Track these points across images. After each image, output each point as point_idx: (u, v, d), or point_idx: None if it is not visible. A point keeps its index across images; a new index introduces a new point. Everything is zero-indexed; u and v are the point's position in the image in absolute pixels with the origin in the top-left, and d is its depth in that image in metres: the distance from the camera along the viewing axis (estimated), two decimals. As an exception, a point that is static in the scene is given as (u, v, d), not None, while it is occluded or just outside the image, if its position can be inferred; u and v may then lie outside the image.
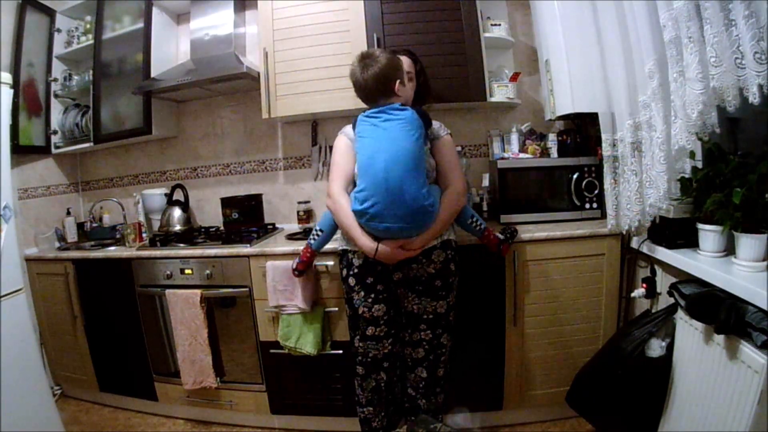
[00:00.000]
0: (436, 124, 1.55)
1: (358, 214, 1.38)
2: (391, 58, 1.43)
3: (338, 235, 1.59)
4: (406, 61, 1.61)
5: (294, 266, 1.68)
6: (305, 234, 2.11)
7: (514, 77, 2.10)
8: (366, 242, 1.40)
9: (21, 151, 2.33)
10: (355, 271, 1.49)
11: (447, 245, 1.48)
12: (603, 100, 1.63)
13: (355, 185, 1.45)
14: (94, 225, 2.53)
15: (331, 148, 1.81)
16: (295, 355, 1.83)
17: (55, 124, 2.51)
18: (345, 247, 1.52)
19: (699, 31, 1.14)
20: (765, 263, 1.15)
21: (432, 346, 1.52)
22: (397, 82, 1.43)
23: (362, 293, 1.49)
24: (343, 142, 1.53)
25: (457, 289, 1.56)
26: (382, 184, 1.33)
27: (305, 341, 1.80)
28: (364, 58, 1.41)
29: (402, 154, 1.34)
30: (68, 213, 2.51)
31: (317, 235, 1.62)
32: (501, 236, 1.65)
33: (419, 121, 1.40)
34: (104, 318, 2.15)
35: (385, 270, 1.47)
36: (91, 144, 2.42)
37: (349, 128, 1.56)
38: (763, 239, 1.15)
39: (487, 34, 2.02)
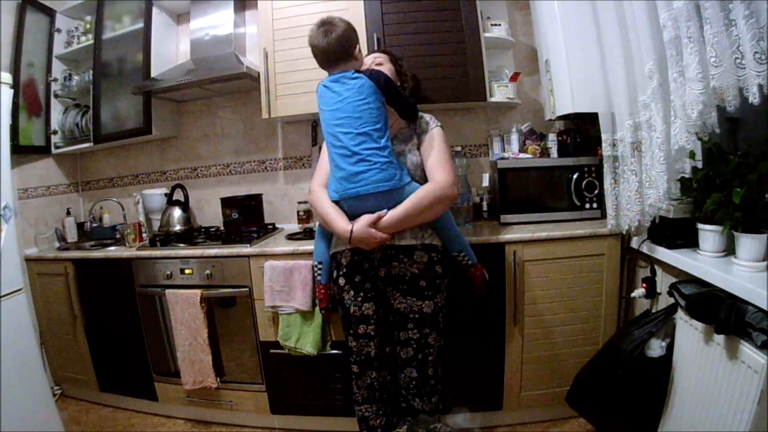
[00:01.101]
0: (426, 116, 1.54)
1: (333, 170, 1.41)
2: (349, 24, 1.45)
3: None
4: (381, 56, 1.63)
5: (320, 308, 1.71)
6: (305, 234, 2.11)
7: (514, 77, 2.10)
8: (340, 224, 1.39)
9: (21, 151, 2.33)
10: (344, 271, 1.50)
11: (430, 248, 1.46)
12: (603, 100, 1.63)
13: None
14: (94, 225, 2.53)
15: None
16: (295, 355, 1.83)
17: (55, 124, 2.51)
18: (333, 251, 1.53)
19: (699, 31, 1.14)
20: (765, 263, 1.15)
21: (420, 346, 1.51)
22: (357, 46, 1.46)
23: (352, 292, 1.49)
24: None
25: (454, 289, 1.55)
26: (344, 151, 1.37)
27: (305, 341, 1.80)
28: (324, 24, 1.43)
29: (357, 118, 1.37)
30: (68, 213, 2.51)
31: (319, 269, 1.62)
32: (486, 275, 1.62)
33: (373, 87, 1.40)
34: (104, 318, 2.15)
35: (372, 267, 1.48)
36: (91, 144, 2.42)
37: None
38: (763, 239, 1.15)
39: (487, 34, 2.02)
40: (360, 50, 1.49)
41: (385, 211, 1.37)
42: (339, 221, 1.40)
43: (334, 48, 1.41)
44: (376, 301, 1.50)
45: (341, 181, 1.39)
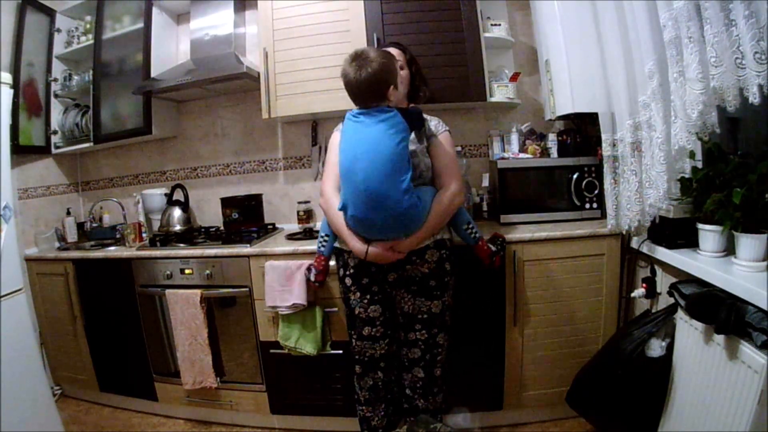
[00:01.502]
0: (433, 120, 1.54)
1: (344, 213, 1.39)
2: (385, 63, 1.35)
3: None
4: (395, 51, 1.57)
5: (313, 279, 1.66)
6: (305, 234, 2.11)
7: (514, 77, 2.10)
8: (356, 245, 1.40)
9: (21, 151, 2.33)
10: (351, 271, 1.49)
11: (441, 244, 1.48)
12: (603, 100, 1.63)
13: None
14: (94, 225, 2.53)
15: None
16: (295, 355, 1.83)
17: (55, 124, 2.51)
18: (341, 247, 1.52)
19: (699, 31, 1.14)
20: (765, 263, 1.15)
21: (428, 346, 1.51)
22: (391, 87, 1.37)
23: (358, 294, 1.49)
24: (338, 139, 1.52)
25: (455, 289, 1.55)
26: (363, 194, 1.31)
27: (305, 341, 1.80)
28: (358, 58, 1.34)
29: (380, 160, 1.30)
30: (68, 213, 2.51)
31: (324, 241, 1.59)
32: (493, 247, 1.62)
33: (404, 123, 1.35)
34: (104, 318, 2.15)
35: (380, 270, 1.47)
36: (91, 144, 2.42)
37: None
38: (763, 239, 1.15)
39: (487, 34, 2.02)
40: (396, 89, 1.41)
41: (403, 240, 1.38)
42: (353, 241, 1.41)
43: (366, 87, 1.34)
44: (383, 303, 1.49)
45: (361, 224, 1.37)
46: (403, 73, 1.57)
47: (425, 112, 1.52)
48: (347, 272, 1.51)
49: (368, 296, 1.48)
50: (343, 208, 1.37)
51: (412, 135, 1.44)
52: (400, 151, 1.32)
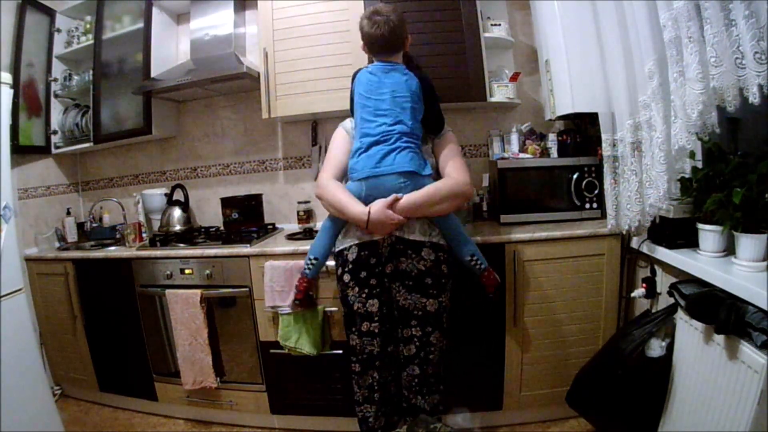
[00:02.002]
0: None
1: (360, 152, 1.43)
2: (400, 15, 1.48)
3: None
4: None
5: (294, 299, 1.66)
6: (305, 234, 2.11)
7: (514, 77, 2.10)
8: (358, 207, 1.41)
9: (21, 151, 2.33)
10: (350, 267, 1.49)
11: (437, 247, 1.47)
12: (603, 100, 1.63)
13: (347, 180, 1.50)
14: (94, 225, 2.53)
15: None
16: (295, 355, 1.83)
17: (55, 124, 2.51)
18: (340, 247, 1.53)
19: (699, 31, 1.14)
20: (765, 263, 1.15)
21: (422, 344, 1.51)
22: (407, 38, 1.51)
23: (356, 289, 1.49)
24: (341, 134, 1.58)
25: (454, 289, 1.55)
26: (377, 137, 1.41)
27: (305, 341, 1.80)
28: (378, 14, 1.44)
29: (396, 111, 1.42)
30: (68, 213, 2.51)
31: (312, 263, 1.58)
32: (498, 279, 1.59)
33: (420, 88, 1.47)
34: (104, 318, 2.15)
35: (379, 262, 1.48)
36: (91, 144, 2.42)
37: (348, 121, 1.60)
38: (763, 239, 1.15)
39: (487, 34, 2.02)
40: (408, 39, 1.53)
41: (401, 195, 1.40)
42: (355, 205, 1.42)
43: (387, 38, 1.45)
44: (380, 298, 1.50)
45: (371, 160, 1.41)
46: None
47: None
48: (345, 269, 1.51)
49: (366, 290, 1.48)
50: (358, 150, 1.44)
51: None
52: (416, 107, 1.46)
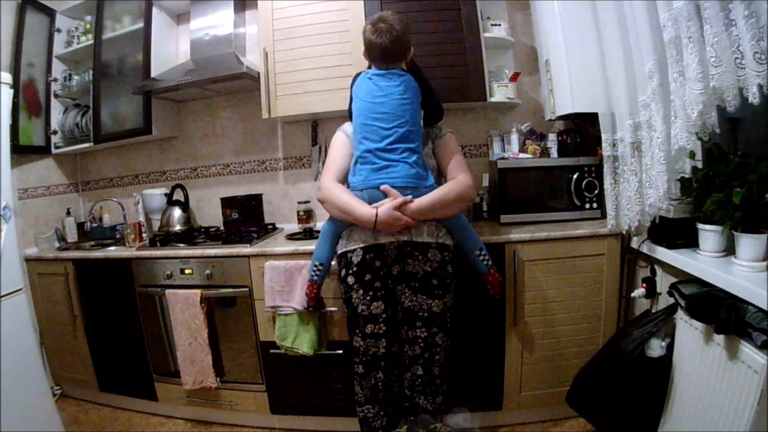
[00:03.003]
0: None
1: (361, 162, 1.43)
2: (406, 24, 1.48)
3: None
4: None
5: (306, 306, 1.69)
6: (305, 234, 2.11)
7: (514, 77, 2.10)
8: (365, 208, 1.40)
9: (21, 151, 2.33)
10: (354, 269, 1.49)
11: (444, 248, 1.48)
12: (603, 100, 1.63)
13: (348, 185, 1.50)
14: (94, 225, 2.53)
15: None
16: (293, 355, 1.83)
17: (55, 124, 2.51)
18: (344, 250, 1.52)
19: (699, 31, 1.14)
20: (765, 263, 1.15)
21: (427, 344, 1.51)
22: (411, 47, 1.52)
23: (361, 291, 1.49)
24: (341, 138, 1.58)
25: (456, 291, 1.55)
26: (385, 132, 1.40)
27: (302, 341, 1.80)
28: (381, 22, 1.44)
29: (398, 106, 1.41)
30: (68, 213, 2.51)
31: (318, 269, 1.59)
32: (500, 278, 1.62)
33: (417, 88, 1.46)
34: (104, 318, 2.15)
35: (384, 264, 1.47)
36: (91, 144, 2.42)
37: (347, 125, 1.60)
38: (763, 239, 1.15)
39: (487, 34, 2.02)
40: (411, 48, 1.54)
41: (410, 197, 1.40)
42: (362, 206, 1.40)
43: (392, 47, 1.44)
44: (385, 300, 1.50)
45: (371, 171, 1.41)
46: None
47: None
48: (350, 271, 1.50)
49: (371, 293, 1.48)
50: (363, 152, 1.42)
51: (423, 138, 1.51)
52: (415, 109, 1.45)
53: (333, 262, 1.62)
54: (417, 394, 1.57)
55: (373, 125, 1.42)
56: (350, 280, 1.50)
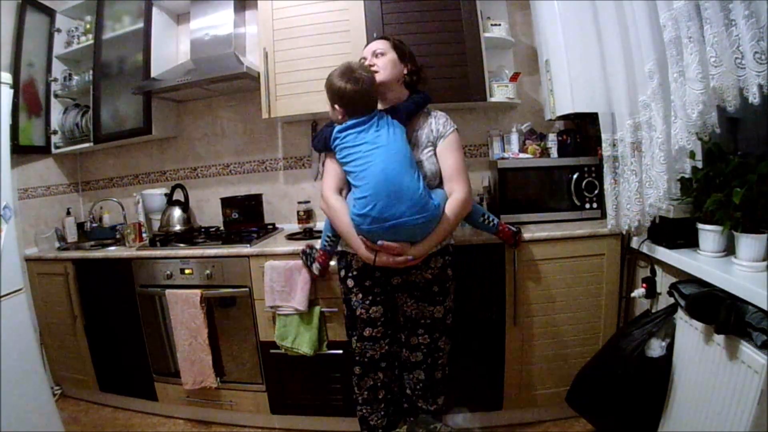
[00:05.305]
0: (440, 119, 1.50)
1: (361, 217, 1.33)
2: (372, 74, 1.42)
3: None
4: (375, 43, 1.52)
5: (317, 272, 1.69)
6: (305, 234, 2.11)
7: (514, 77, 2.10)
8: (364, 252, 1.38)
9: (21, 151, 2.32)
10: (354, 273, 1.49)
11: (445, 250, 1.49)
12: (603, 100, 1.63)
13: (349, 188, 1.43)
14: (94, 225, 2.53)
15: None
16: (293, 355, 1.83)
17: (55, 124, 2.51)
18: (345, 249, 1.52)
19: (699, 31, 1.14)
20: (765, 263, 1.15)
21: (430, 350, 1.51)
22: (378, 97, 1.44)
23: (360, 295, 1.49)
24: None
25: (455, 292, 1.55)
26: (382, 184, 1.30)
27: (302, 341, 1.80)
28: (348, 73, 1.39)
29: (395, 153, 1.35)
30: (68, 213, 2.51)
31: (331, 241, 1.58)
32: (513, 228, 1.68)
33: (395, 121, 1.41)
34: (104, 318, 2.15)
35: (385, 274, 1.46)
36: (91, 144, 2.42)
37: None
38: (763, 239, 1.15)
39: (487, 34, 2.02)
40: (382, 100, 1.48)
41: (411, 258, 1.35)
42: (361, 249, 1.39)
43: (363, 96, 1.39)
44: (384, 304, 1.49)
45: (374, 221, 1.32)
46: (386, 58, 1.47)
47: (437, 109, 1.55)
48: (350, 274, 1.50)
49: (370, 297, 1.48)
50: (363, 208, 1.32)
51: (423, 140, 1.47)
52: (406, 144, 1.40)
53: (332, 262, 1.61)
54: (418, 397, 1.57)
55: (372, 169, 1.35)
56: (350, 282, 1.50)
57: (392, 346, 1.56)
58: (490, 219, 1.61)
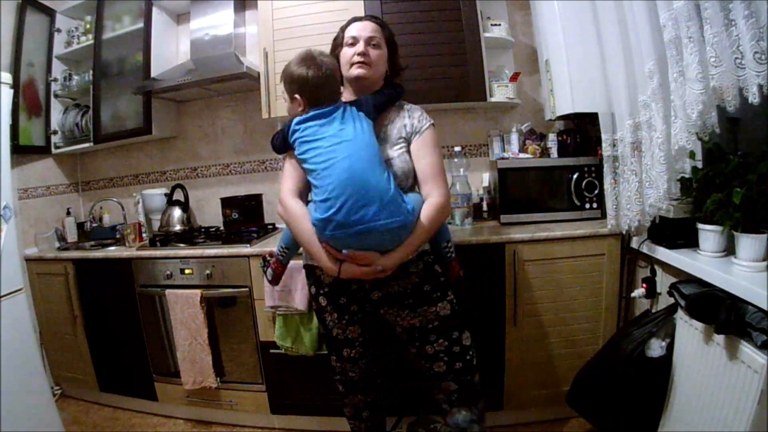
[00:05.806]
0: (415, 113, 1.35)
1: (323, 222, 1.17)
2: (334, 60, 1.31)
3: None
4: (372, 26, 1.37)
5: (270, 278, 1.53)
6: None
7: (514, 77, 2.10)
8: (326, 263, 1.22)
9: (21, 151, 2.33)
10: (326, 290, 1.33)
11: (422, 255, 1.32)
12: (603, 100, 1.63)
13: (309, 189, 1.28)
14: (94, 225, 2.53)
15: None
16: (293, 355, 1.83)
17: (55, 124, 2.51)
18: (311, 263, 1.34)
19: (699, 31, 1.14)
20: (765, 263, 1.15)
21: (452, 355, 1.32)
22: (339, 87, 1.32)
23: (335, 314, 1.34)
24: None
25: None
26: (348, 183, 1.14)
27: (302, 342, 1.80)
28: (308, 59, 1.24)
29: (363, 148, 1.19)
30: (68, 213, 2.51)
31: (285, 252, 1.46)
32: (461, 272, 1.49)
33: (362, 115, 1.26)
34: (104, 318, 2.15)
35: (361, 289, 1.30)
36: (91, 144, 2.42)
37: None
38: (763, 239, 1.15)
39: (487, 34, 2.02)
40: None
41: (380, 268, 1.20)
42: (324, 259, 1.22)
43: (324, 84, 1.24)
44: (363, 324, 1.36)
45: (339, 226, 1.16)
46: (380, 52, 1.35)
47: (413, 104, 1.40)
48: (321, 291, 1.34)
49: (347, 316, 1.33)
50: (327, 212, 1.15)
51: (394, 136, 1.32)
52: (372, 136, 1.24)
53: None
54: (457, 408, 1.38)
55: (334, 161, 1.20)
56: (322, 301, 1.35)
57: (373, 364, 1.44)
58: (451, 250, 1.42)
